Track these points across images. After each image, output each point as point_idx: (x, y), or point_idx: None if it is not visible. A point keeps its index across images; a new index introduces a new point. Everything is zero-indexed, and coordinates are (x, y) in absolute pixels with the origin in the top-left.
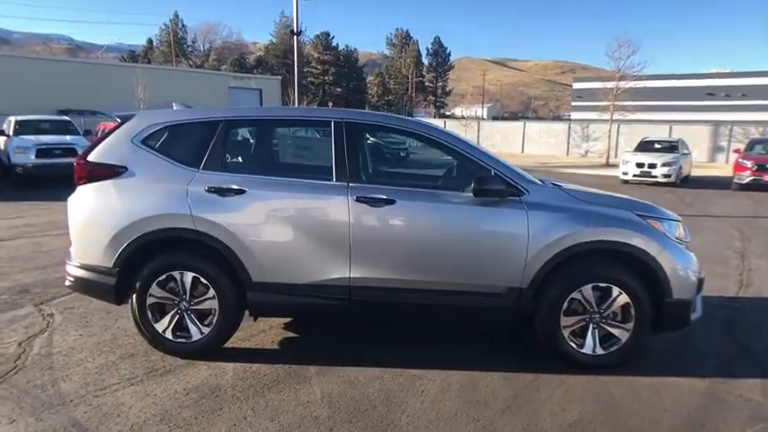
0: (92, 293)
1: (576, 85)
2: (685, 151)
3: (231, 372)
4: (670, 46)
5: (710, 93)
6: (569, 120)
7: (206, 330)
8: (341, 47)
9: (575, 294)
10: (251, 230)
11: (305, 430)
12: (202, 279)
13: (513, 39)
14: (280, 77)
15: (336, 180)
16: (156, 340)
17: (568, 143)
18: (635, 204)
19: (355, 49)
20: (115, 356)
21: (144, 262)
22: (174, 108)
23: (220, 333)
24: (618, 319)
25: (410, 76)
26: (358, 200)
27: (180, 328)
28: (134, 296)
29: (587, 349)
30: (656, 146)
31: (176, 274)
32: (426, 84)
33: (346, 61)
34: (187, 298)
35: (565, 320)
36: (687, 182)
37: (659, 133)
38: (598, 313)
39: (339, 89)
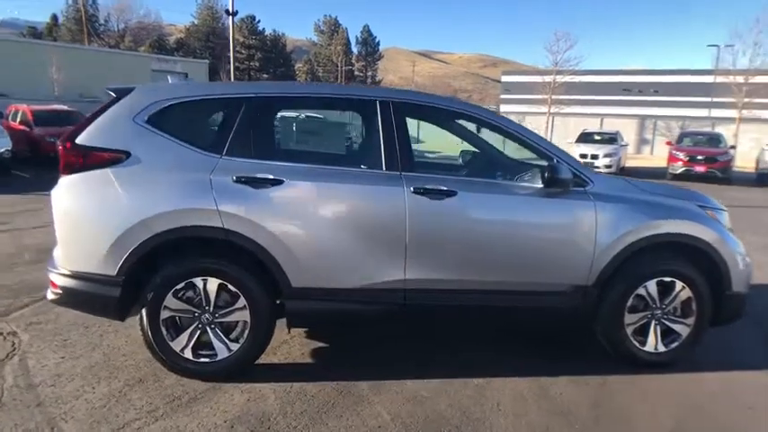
0: (87, 308)
1: (505, 79)
2: (623, 143)
3: (272, 395)
4: (597, 42)
5: (626, 89)
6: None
7: (234, 347)
8: (267, 31)
9: (639, 290)
10: (291, 228)
11: None
12: (230, 286)
13: (439, 31)
14: (207, 61)
15: (386, 169)
16: (173, 361)
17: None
18: (693, 195)
19: (283, 35)
20: (119, 383)
21: (156, 268)
22: (170, 82)
23: (252, 349)
24: (678, 314)
25: (340, 65)
26: (416, 191)
27: (202, 345)
28: (144, 310)
29: (649, 347)
30: (596, 137)
31: (198, 281)
32: (356, 73)
33: (273, 46)
34: (211, 309)
35: (628, 318)
36: (624, 172)
37: (591, 126)
38: (660, 309)
39: (266, 75)
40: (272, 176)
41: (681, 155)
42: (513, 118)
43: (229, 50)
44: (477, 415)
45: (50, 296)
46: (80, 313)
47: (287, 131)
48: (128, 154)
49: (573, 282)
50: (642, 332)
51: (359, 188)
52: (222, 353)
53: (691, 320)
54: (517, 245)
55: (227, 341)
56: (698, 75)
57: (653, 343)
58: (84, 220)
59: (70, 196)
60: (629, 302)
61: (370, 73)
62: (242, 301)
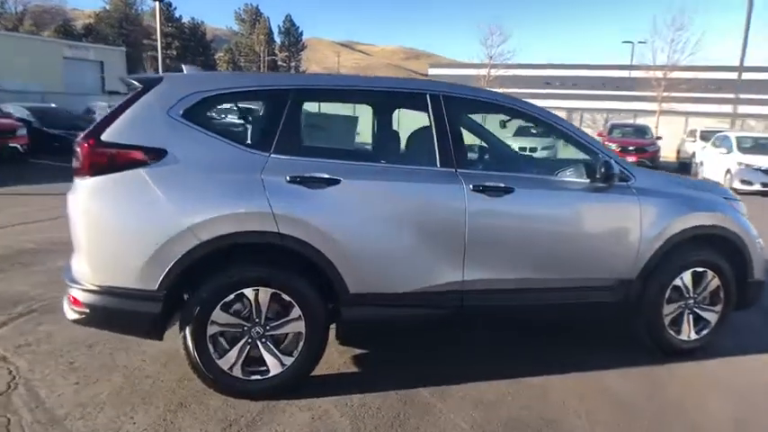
0: (121, 327)
1: (433, 72)
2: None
3: (335, 411)
4: (522, 37)
5: (547, 81)
6: None
7: (288, 361)
8: (185, 19)
9: (676, 281)
10: (349, 230)
11: None
12: (284, 296)
13: (361, 22)
14: (123, 48)
15: (441, 166)
16: (222, 381)
17: None
18: (718, 187)
19: (202, 23)
20: (159, 409)
21: (202, 280)
22: (186, 71)
23: (306, 362)
24: (708, 302)
25: (262, 54)
26: (475, 189)
27: (252, 361)
28: (188, 327)
29: (684, 335)
30: (533, 131)
31: (249, 292)
32: (279, 63)
33: (192, 35)
34: (262, 321)
35: (666, 309)
36: None
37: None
38: (692, 299)
39: (184, 65)
40: (327, 175)
41: (613, 146)
42: None
43: (146, 38)
44: (552, 416)
45: (71, 315)
46: (77, 331)
47: (332, 127)
48: (164, 152)
49: (620, 276)
50: (677, 321)
51: (419, 187)
52: (275, 368)
53: (719, 308)
54: (571, 241)
55: (279, 355)
56: (620, 69)
57: (687, 331)
58: (116, 228)
59: (98, 201)
60: (667, 294)
61: (293, 63)
62: (296, 311)
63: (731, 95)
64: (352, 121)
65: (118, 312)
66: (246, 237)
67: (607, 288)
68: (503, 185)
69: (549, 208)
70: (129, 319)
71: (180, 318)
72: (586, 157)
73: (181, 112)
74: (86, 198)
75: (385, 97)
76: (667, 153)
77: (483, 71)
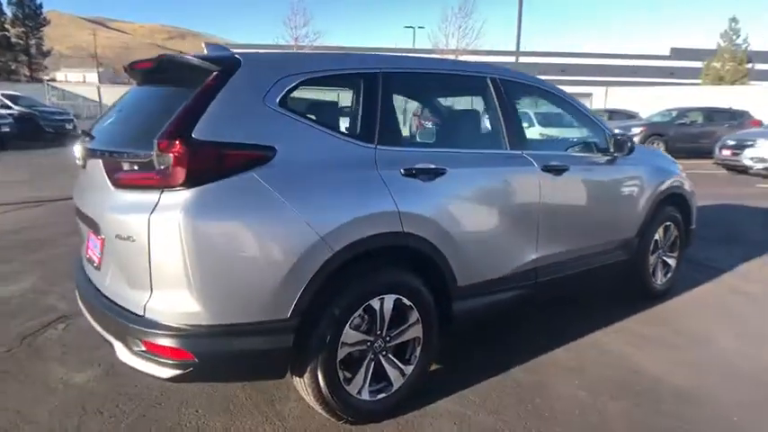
0: (241, 374)
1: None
2: None
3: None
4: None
5: None
6: None
7: (408, 370)
8: None
9: (656, 236)
10: (456, 220)
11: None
12: (405, 300)
13: None
14: None
15: (510, 148)
16: (351, 409)
17: None
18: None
19: None
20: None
21: (330, 298)
22: (206, 49)
23: (424, 368)
24: (670, 250)
25: None
26: (544, 169)
27: (374, 379)
28: (319, 356)
29: (658, 280)
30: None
31: (375, 302)
32: (14, 41)
33: None
34: (384, 332)
35: (651, 258)
36: None
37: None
38: (662, 248)
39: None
40: (433, 165)
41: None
42: None
43: None
44: (635, 369)
45: (165, 373)
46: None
47: (422, 111)
48: (273, 149)
49: (631, 235)
50: (655, 270)
51: (507, 171)
52: (398, 381)
53: (676, 254)
54: (609, 207)
55: (400, 365)
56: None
57: (660, 277)
58: (236, 248)
59: (208, 217)
60: (651, 247)
61: (33, 41)
62: (414, 315)
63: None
64: (444, 106)
65: (241, 355)
66: (379, 240)
67: (622, 247)
68: (562, 165)
69: (590, 182)
70: (256, 361)
71: (306, 347)
72: (602, 134)
73: (277, 101)
74: (190, 215)
75: (456, 80)
76: None
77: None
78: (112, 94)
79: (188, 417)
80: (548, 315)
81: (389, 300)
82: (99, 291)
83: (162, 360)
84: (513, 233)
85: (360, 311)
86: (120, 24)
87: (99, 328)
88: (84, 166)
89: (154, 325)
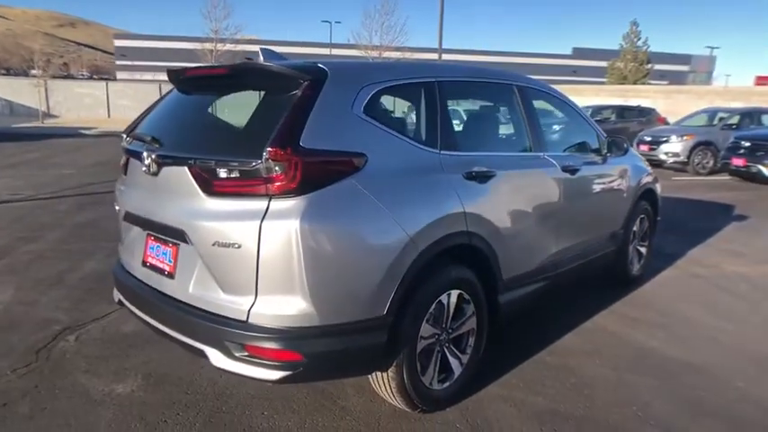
0: (343, 371)
1: (119, 43)
2: None
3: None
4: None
5: (249, 57)
6: (118, 80)
7: (465, 359)
8: None
9: (634, 227)
10: (502, 219)
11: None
12: (465, 294)
13: None
14: None
15: (534, 150)
16: (425, 399)
17: None
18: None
19: None
20: None
21: (414, 295)
22: (261, 54)
23: (475, 357)
24: (642, 239)
25: None
26: (564, 169)
27: (442, 369)
28: (404, 350)
29: (635, 267)
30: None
31: (444, 297)
32: None
33: None
34: (448, 325)
35: (630, 248)
36: None
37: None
38: (638, 238)
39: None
40: (486, 168)
41: None
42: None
43: None
44: (641, 347)
45: (275, 376)
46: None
47: (466, 116)
48: (365, 157)
49: (617, 228)
50: (632, 258)
51: (539, 172)
52: (457, 369)
53: (647, 242)
54: (608, 201)
55: (459, 355)
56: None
57: (636, 264)
58: (343, 251)
59: (319, 223)
60: (631, 237)
61: None
62: (471, 308)
63: None
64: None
65: (346, 353)
66: (451, 239)
67: (612, 238)
68: (574, 165)
69: (593, 180)
70: (359, 358)
71: (396, 342)
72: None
73: (362, 109)
74: (305, 221)
75: (488, 88)
76: None
77: (208, 45)
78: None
79: (256, 419)
80: (545, 303)
81: (454, 295)
82: (172, 299)
83: (269, 363)
84: (542, 229)
85: (433, 306)
86: (3, 9)
87: (180, 336)
88: (152, 172)
89: (259, 329)
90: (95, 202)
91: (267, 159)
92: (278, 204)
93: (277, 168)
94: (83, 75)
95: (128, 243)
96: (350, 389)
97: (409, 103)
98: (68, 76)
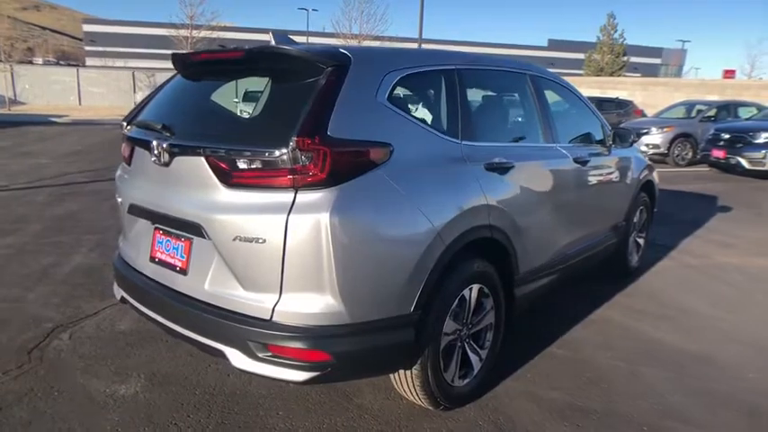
0: (370, 370)
1: (88, 28)
2: None
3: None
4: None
5: (221, 44)
6: (89, 66)
7: (483, 354)
8: None
9: (635, 219)
10: (520, 212)
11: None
12: (485, 288)
13: None
14: None
15: (547, 141)
16: (447, 397)
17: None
18: None
19: None
20: None
21: (439, 290)
22: (273, 37)
23: (493, 351)
24: (640, 230)
25: None
26: (575, 161)
27: (462, 365)
28: (429, 347)
29: (633, 258)
30: None
31: (466, 292)
32: None
33: None
34: (468, 320)
35: (630, 239)
36: None
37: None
38: (637, 230)
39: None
40: (506, 160)
41: None
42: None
43: None
44: (649, 339)
45: (302, 377)
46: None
47: (483, 106)
48: (391, 146)
49: (620, 219)
50: (631, 248)
51: (553, 163)
52: (476, 365)
53: (644, 234)
54: (614, 192)
55: (478, 350)
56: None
57: (635, 255)
58: (373, 246)
59: (349, 216)
60: (632, 229)
61: None
62: (490, 302)
63: None
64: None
65: (374, 351)
66: (474, 232)
67: (615, 229)
68: (584, 156)
69: (602, 171)
70: (387, 356)
71: (422, 339)
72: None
73: (386, 97)
74: (336, 214)
75: (515, 78)
76: None
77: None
78: None
79: (272, 420)
80: (550, 297)
81: (475, 289)
82: (185, 296)
83: (295, 363)
84: (555, 221)
85: (456, 302)
86: None
87: (195, 336)
88: (163, 162)
89: (284, 328)
90: (74, 193)
91: (294, 149)
92: (305, 197)
93: (304, 158)
94: (49, 60)
95: (132, 237)
96: (365, 386)
97: (431, 91)
98: (32, 62)
